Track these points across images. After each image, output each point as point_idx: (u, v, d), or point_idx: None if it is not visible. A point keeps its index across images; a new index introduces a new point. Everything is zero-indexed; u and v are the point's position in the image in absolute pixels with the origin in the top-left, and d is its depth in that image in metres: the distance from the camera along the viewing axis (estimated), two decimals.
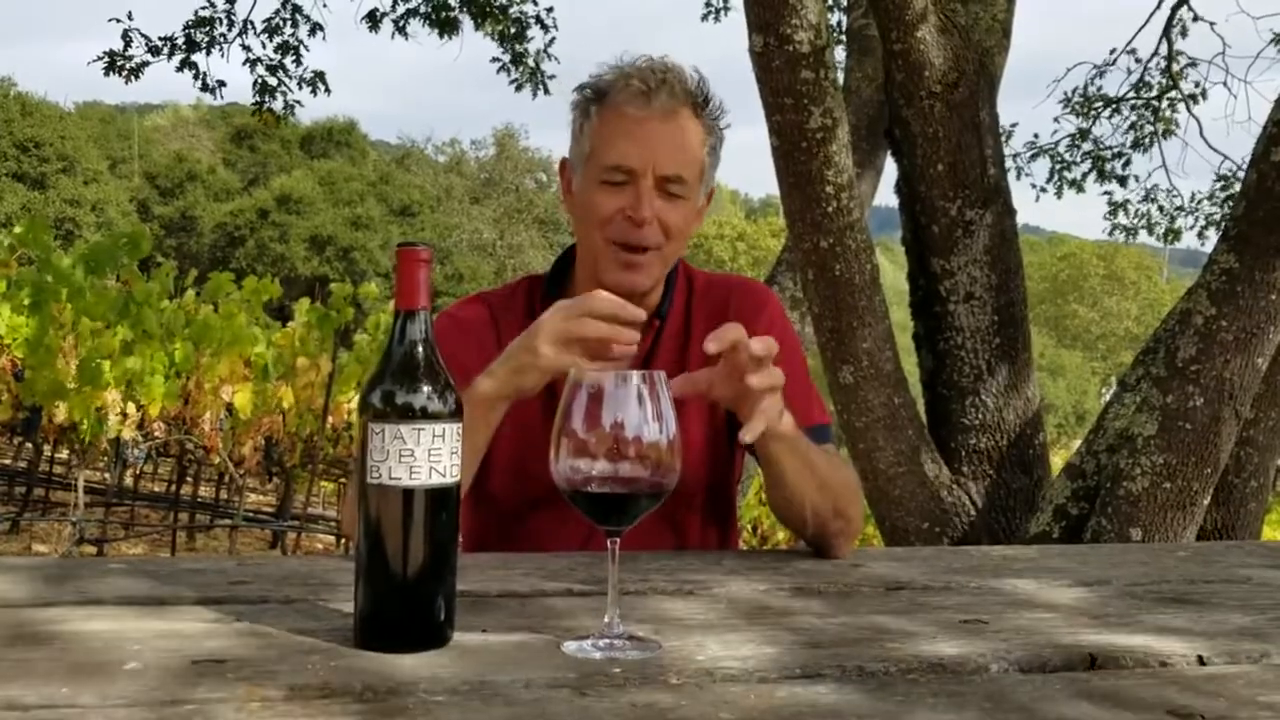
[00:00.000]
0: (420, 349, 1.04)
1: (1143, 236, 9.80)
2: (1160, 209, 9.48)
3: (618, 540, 1.08)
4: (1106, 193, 9.24)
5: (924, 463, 3.54)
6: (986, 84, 3.76)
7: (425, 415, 1.02)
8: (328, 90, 7.85)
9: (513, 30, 7.77)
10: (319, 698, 0.88)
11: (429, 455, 1.02)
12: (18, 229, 6.20)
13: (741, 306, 1.66)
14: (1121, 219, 9.50)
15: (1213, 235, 9.55)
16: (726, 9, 8.27)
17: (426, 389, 1.03)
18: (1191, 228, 9.60)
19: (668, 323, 1.67)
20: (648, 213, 1.53)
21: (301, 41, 7.77)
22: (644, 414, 1.04)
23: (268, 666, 0.94)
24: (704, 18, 8.31)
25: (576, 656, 1.01)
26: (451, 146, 48.18)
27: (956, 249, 3.69)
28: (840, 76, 4.11)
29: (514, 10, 7.80)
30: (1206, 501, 3.17)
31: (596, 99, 1.58)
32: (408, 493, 1.02)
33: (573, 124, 1.63)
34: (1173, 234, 9.60)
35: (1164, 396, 3.08)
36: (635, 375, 1.05)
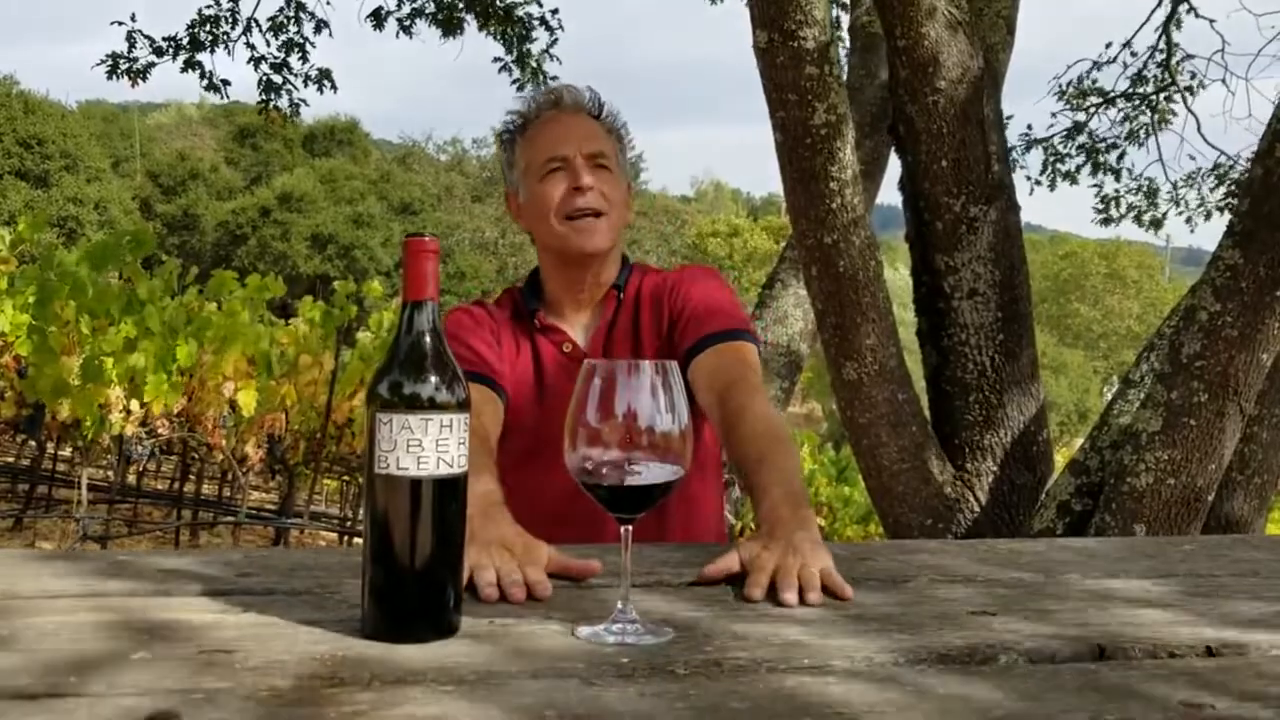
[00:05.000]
0: (428, 339, 1.04)
1: (1144, 235, 9.80)
2: (1147, 197, 9.46)
3: (630, 527, 1.09)
4: (1096, 185, 9.24)
5: (928, 459, 3.54)
6: (990, 80, 3.76)
7: (433, 405, 1.02)
8: (334, 88, 7.85)
9: (517, 33, 7.77)
10: (327, 687, 0.87)
11: (437, 445, 1.02)
12: (20, 226, 6.21)
13: (670, 288, 1.88)
14: (1111, 211, 9.50)
15: (1200, 223, 9.57)
16: None
17: (434, 379, 1.03)
18: (1179, 214, 9.59)
19: (625, 297, 1.90)
20: (587, 178, 1.79)
21: (307, 39, 7.77)
22: (657, 404, 1.05)
23: (275, 657, 0.94)
24: (712, 1, 8.31)
25: (588, 644, 1.01)
26: (453, 145, 48.16)
27: (960, 245, 3.68)
28: (843, 73, 4.11)
29: (520, 12, 7.79)
30: (1211, 498, 3.16)
31: (520, 127, 1.88)
32: (415, 483, 1.02)
33: (505, 158, 1.92)
34: (1156, 223, 9.60)
35: (1168, 392, 3.08)
36: (648, 365, 1.06)
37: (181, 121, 52.04)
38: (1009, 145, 8.84)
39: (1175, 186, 9.49)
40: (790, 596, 1.20)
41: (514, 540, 1.29)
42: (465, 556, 1.14)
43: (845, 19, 6.56)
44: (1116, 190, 9.36)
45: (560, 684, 0.90)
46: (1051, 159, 9.06)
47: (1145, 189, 9.48)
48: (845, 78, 4.70)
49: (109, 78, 7.44)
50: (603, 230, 1.82)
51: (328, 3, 7.90)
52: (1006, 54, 4.06)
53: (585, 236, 1.82)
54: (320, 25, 7.76)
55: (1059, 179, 9.09)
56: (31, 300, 5.60)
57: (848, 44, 5.52)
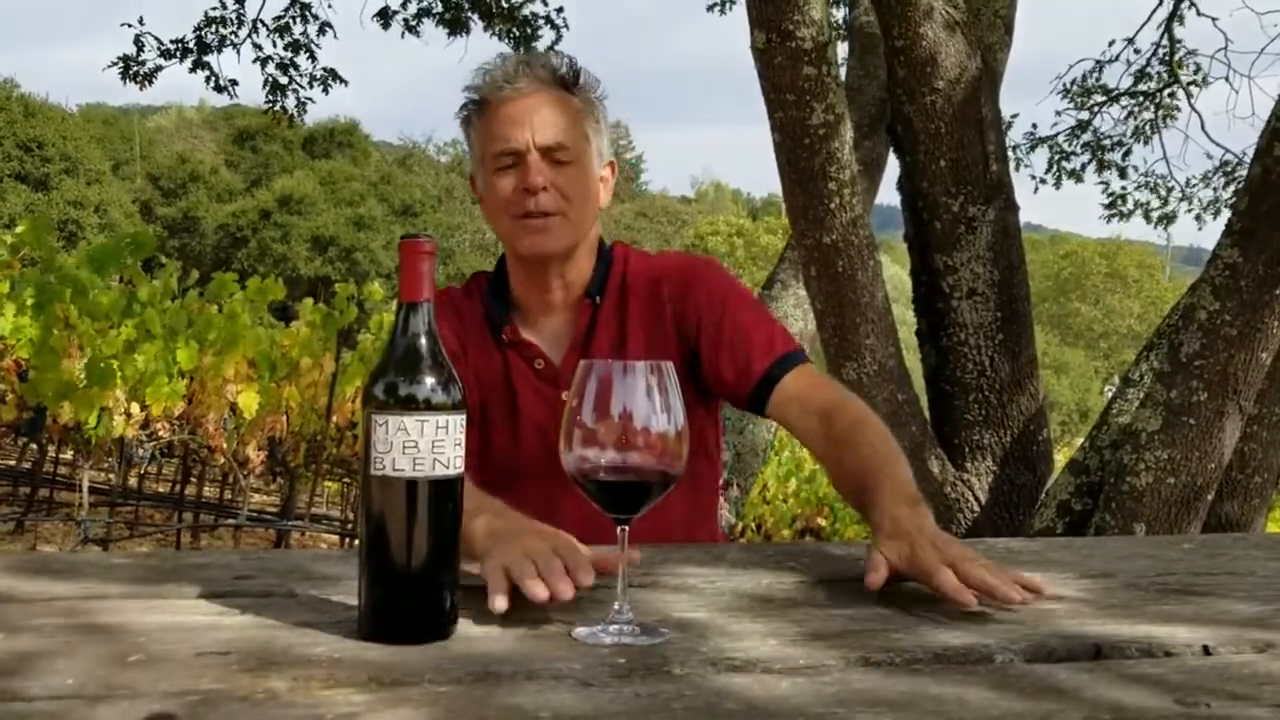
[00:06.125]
0: (423, 340, 1.04)
1: (1145, 234, 9.80)
2: (1157, 194, 9.47)
3: (626, 528, 1.09)
4: (1103, 183, 9.24)
5: (928, 459, 3.54)
6: (988, 80, 3.76)
7: (429, 406, 1.02)
8: (344, 82, 7.89)
9: (522, 32, 7.78)
10: (323, 688, 0.87)
11: (432, 447, 1.02)
12: (20, 228, 6.21)
13: (674, 289, 1.72)
14: (1119, 206, 9.50)
15: (1209, 221, 9.58)
16: (731, 2, 8.27)
17: (430, 380, 1.03)
18: (1189, 211, 9.58)
19: (604, 305, 1.72)
20: (538, 179, 1.62)
21: (312, 40, 7.80)
22: (652, 405, 1.05)
23: (272, 658, 0.94)
24: (710, 8, 8.31)
25: (584, 644, 1.01)
26: (453, 147, 48.22)
27: (959, 245, 3.69)
28: (841, 73, 4.11)
29: (524, 11, 7.81)
30: (1210, 497, 3.16)
31: (475, 107, 1.69)
32: (411, 484, 1.02)
33: (464, 138, 1.74)
34: (1166, 219, 9.59)
35: (1168, 391, 3.08)
36: (643, 366, 1.06)
37: (181, 124, 52.11)
38: (1015, 144, 8.91)
39: (1188, 183, 9.50)
40: (1016, 594, 1.14)
41: (542, 529, 1.22)
42: (492, 555, 1.13)
43: (842, 16, 6.57)
44: (1124, 187, 9.36)
45: (556, 685, 0.90)
46: (1057, 157, 9.06)
47: (1154, 186, 9.48)
48: (843, 78, 4.70)
49: (122, 79, 7.48)
50: (557, 231, 1.65)
51: (329, 6, 7.91)
52: (1004, 54, 4.07)
53: (536, 237, 1.65)
54: (324, 27, 7.78)
55: (1064, 177, 9.09)
56: (30, 303, 5.60)
57: (846, 44, 5.52)
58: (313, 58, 7.80)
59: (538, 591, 1.06)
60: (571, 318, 1.74)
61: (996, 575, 1.17)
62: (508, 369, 1.72)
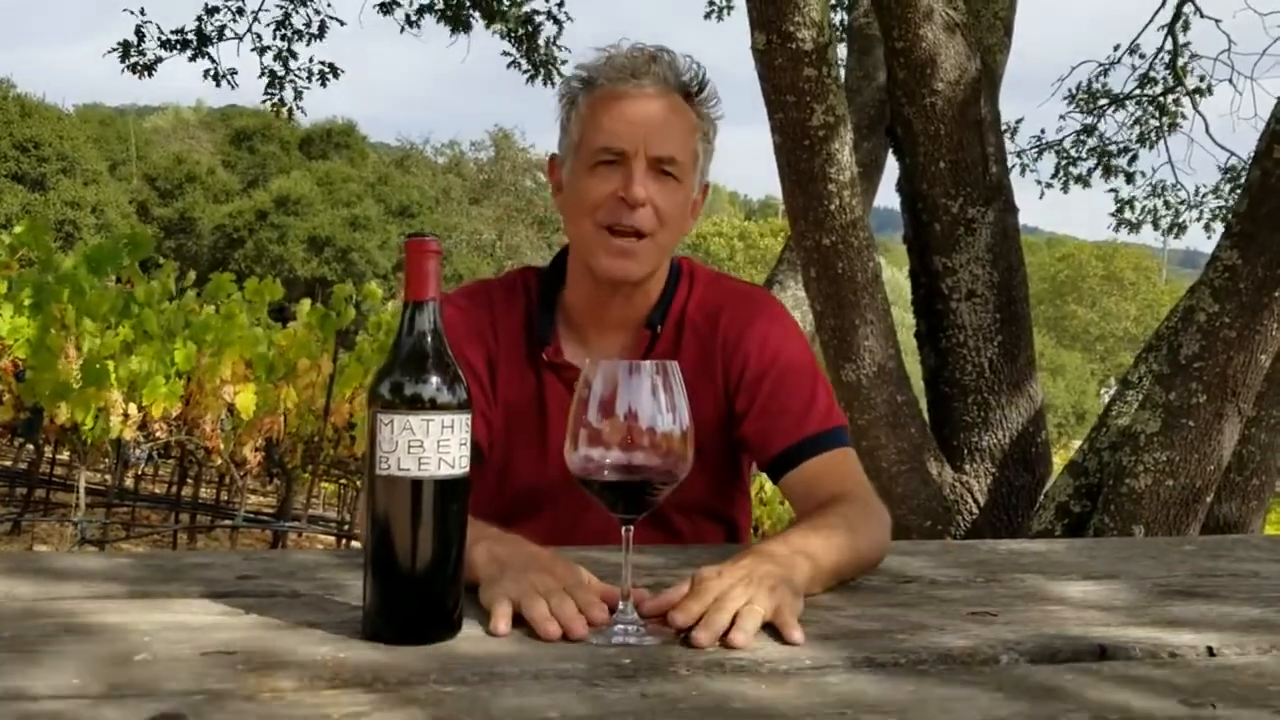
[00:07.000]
0: (429, 340, 1.04)
1: (1141, 237, 9.82)
2: (1166, 203, 9.46)
3: (631, 528, 1.09)
4: (1112, 189, 9.22)
5: (927, 461, 3.54)
6: (988, 82, 3.76)
7: (434, 406, 1.02)
8: (338, 73, 7.90)
9: (524, 30, 7.80)
10: (329, 688, 0.87)
11: (438, 446, 1.01)
12: (18, 229, 6.20)
13: (729, 332, 1.58)
14: (1127, 214, 9.48)
15: (1219, 229, 9.55)
16: (729, 8, 8.28)
17: (436, 380, 1.03)
18: (1198, 220, 9.56)
19: (661, 337, 1.59)
20: (641, 193, 1.46)
21: (311, 33, 7.82)
22: (657, 405, 1.05)
23: (277, 657, 0.94)
24: (707, 16, 8.31)
25: (589, 645, 1.01)
26: (451, 148, 48.21)
27: (958, 247, 3.69)
28: (840, 75, 4.11)
29: (525, 9, 7.82)
30: (1209, 499, 3.17)
31: (584, 86, 1.52)
32: (416, 484, 1.01)
33: (561, 116, 1.56)
34: (1178, 228, 9.57)
35: (1167, 394, 3.08)
36: (649, 366, 1.06)
37: (178, 124, 52.04)
38: (1021, 149, 8.91)
39: (1197, 192, 9.50)
40: (702, 637, 1.01)
41: (550, 563, 1.16)
42: (498, 583, 1.10)
43: (841, 18, 6.58)
44: (1132, 195, 9.35)
45: (562, 685, 0.90)
46: (1064, 162, 9.04)
47: (1161, 192, 9.46)
48: (843, 79, 4.70)
49: (121, 61, 7.49)
50: (642, 256, 1.49)
51: (329, 4, 7.92)
52: (1004, 56, 4.07)
53: (619, 261, 1.49)
54: (325, 25, 7.79)
55: (1072, 182, 9.07)
56: (27, 304, 5.60)
57: (844, 46, 5.52)
58: (319, 38, 7.81)
59: (551, 630, 1.02)
60: (628, 344, 1.59)
61: (744, 625, 1.03)
62: (541, 391, 1.59)
